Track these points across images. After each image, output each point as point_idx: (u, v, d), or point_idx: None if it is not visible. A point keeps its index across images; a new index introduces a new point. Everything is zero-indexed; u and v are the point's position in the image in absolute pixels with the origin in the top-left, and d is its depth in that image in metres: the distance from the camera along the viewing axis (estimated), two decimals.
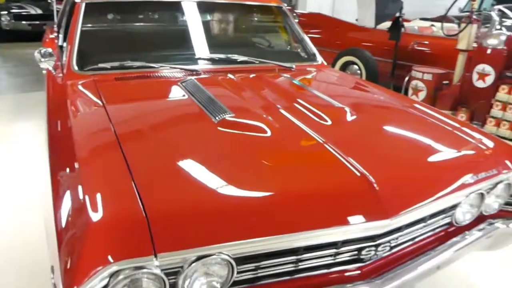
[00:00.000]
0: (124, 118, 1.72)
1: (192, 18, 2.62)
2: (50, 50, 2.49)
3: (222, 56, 2.51)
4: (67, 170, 1.35)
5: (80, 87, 2.10)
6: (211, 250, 1.10)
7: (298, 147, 1.54)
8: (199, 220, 1.14)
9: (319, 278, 1.29)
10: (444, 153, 1.63)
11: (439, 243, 1.54)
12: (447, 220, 1.55)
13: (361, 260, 1.33)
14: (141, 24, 2.69)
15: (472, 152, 1.67)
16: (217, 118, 1.66)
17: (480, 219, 1.66)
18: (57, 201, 1.21)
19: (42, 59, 2.45)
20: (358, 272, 1.32)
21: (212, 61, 2.49)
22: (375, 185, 1.31)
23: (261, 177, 1.32)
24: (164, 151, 1.43)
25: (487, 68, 4.09)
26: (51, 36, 3.94)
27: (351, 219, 1.23)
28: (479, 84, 4.17)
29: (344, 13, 9.59)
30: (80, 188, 1.18)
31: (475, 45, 4.37)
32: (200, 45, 2.56)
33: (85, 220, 1.06)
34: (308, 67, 2.74)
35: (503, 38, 4.06)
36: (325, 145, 1.51)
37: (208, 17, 2.89)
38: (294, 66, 2.62)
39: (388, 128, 1.83)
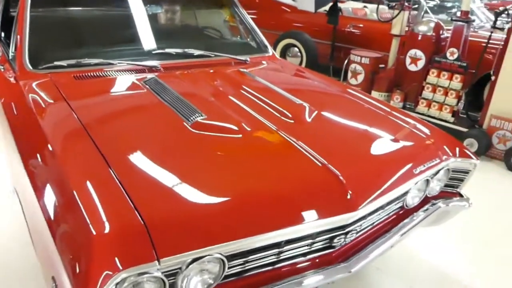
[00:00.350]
0: (97, 122, 1.72)
1: (143, 9, 2.60)
2: None
3: (179, 50, 2.53)
4: (53, 184, 1.37)
5: (38, 88, 2.05)
6: (206, 251, 1.21)
7: (271, 147, 1.66)
8: (193, 224, 1.24)
9: (297, 265, 1.45)
10: (396, 145, 1.84)
11: (392, 225, 1.77)
12: (399, 204, 1.78)
13: (333, 247, 1.51)
14: (95, 15, 2.61)
15: (419, 143, 1.90)
16: (190, 120, 1.73)
17: (424, 200, 1.91)
18: (54, 218, 1.25)
19: None
20: (331, 256, 1.50)
21: (169, 55, 2.51)
22: (341, 179, 1.48)
23: (243, 179, 1.44)
24: (147, 158, 1.48)
25: (419, 53, 4.44)
26: None
27: (325, 213, 1.39)
28: (412, 68, 4.53)
29: None
30: (76, 202, 1.22)
31: (407, 29, 4.73)
32: (155, 38, 2.55)
33: (89, 234, 1.12)
34: (261, 59, 2.84)
35: (432, 25, 4.42)
36: (293, 143, 1.65)
37: (159, 8, 2.88)
38: (248, 59, 2.72)
39: (343, 123, 2.02)
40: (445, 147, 1.94)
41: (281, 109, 1.96)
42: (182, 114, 1.78)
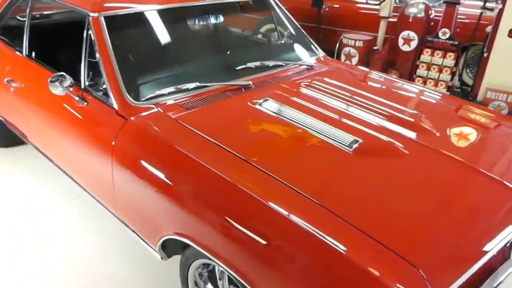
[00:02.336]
0: (250, 153, 1.71)
1: (214, 28, 2.52)
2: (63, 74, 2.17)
3: (257, 63, 2.50)
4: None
5: (155, 121, 1.94)
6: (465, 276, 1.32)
7: (446, 167, 1.75)
8: (453, 254, 1.34)
9: None
10: None
11: None
12: None
13: None
14: (177, 38, 2.45)
15: None
16: (350, 146, 1.77)
17: None
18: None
19: (58, 85, 2.14)
20: None
21: (247, 70, 2.46)
22: None
23: (455, 204, 1.55)
24: (354, 194, 1.52)
25: (412, 34, 4.73)
26: None
27: None
28: (405, 48, 4.82)
29: None
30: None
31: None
32: (233, 55, 2.50)
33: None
34: (321, 62, 2.87)
35: (422, 6, 4.70)
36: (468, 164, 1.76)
37: (224, 25, 2.78)
38: (314, 63, 2.76)
39: (473, 132, 2.10)
40: None
41: (408, 120, 2.07)
42: (334, 140, 1.81)
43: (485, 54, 4.32)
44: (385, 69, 4.97)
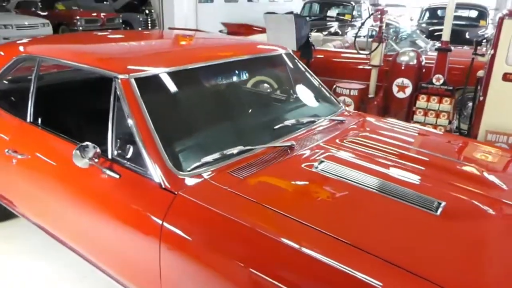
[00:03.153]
0: (328, 224, 1.52)
1: (249, 89, 2.37)
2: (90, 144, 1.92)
3: (293, 121, 2.35)
4: None
5: (208, 196, 1.71)
6: None
7: None
8: None
9: None
10: None
11: None
12: None
13: None
14: (211, 96, 2.27)
15: None
16: (435, 210, 1.62)
17: None
18: None
19: (83, 156, 1.89)
20: None
21: (285, 129, 2.30)
22: None
23: None
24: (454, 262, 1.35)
25: (406, 81, 4.79)
26: None
27: None
28: (400, 95, 4.86)
29: (206, 26, 9.62)
30: None
31: None
32: (268, 113, 2.35)
33: None
34: (346, 116, 2.76)
35: (413, 54, 4.81)
36: None
37: (253, 85, 2.63)
38: (344, 118, 2.64)
39: None
40: None
41: (473, 174, 1.96)
42: (415, 204, 1.65)
43: (481, 98, 4.41)
44: (381, 116, 4.96)
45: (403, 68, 4.80)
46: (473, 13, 9.68)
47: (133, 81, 1.97)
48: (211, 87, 2.39)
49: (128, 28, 14.68)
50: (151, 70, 2.05)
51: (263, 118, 2.30)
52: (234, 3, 14.36)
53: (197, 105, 2.19)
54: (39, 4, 13.02)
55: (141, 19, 14.58)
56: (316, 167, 1.93)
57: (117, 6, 15.09)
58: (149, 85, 2.02)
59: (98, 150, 1.93)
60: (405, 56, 4.82)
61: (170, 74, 2.09)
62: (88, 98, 2.29)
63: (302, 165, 1.97)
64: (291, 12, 5.17)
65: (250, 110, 2.28)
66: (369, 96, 5.09)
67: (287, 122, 2.32)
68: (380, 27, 4.94)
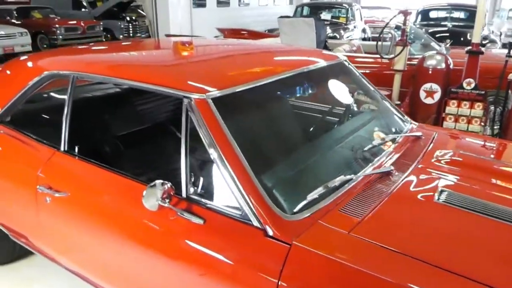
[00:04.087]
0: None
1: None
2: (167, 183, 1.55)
3: (379, 141, 2.04)
4: None
5: (331, 245, 1.37)
6: None
7: None
8: None
9: None
10: None
11: None
12: None
13: None
14: (298, 115, 1.93)
15: None
16: None
17: None
18: None
19: (162, 202, 1.53)
20: None
21: (370, 150, 1.99)
22: None
23: None
24: None
25: (434, 86, 4.56)
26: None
27: None
28: (428, 101, 4.62)
29: (200, 31, 9.25)
30: None
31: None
32: (350, 133, 2.02)
33: None
34: (421, 130, 2.47)
35: (440, 57, 4.58)
36: None
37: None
38: (421, 134, 2.34)
39: None
40: None
41: None
42: None
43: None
44: None
45: (430, 72, 4.56)
46: (472, 14, 9.62)
47: (210, 101, 1.61)
48: (292, 105, 2.05)
49: (109, 36, 14.12)
50: (229, 88, 1.69)
51: (348, 139, 1.97)
52: (225, 7, 14.02)
53: (284, 126, 1.86)
54: (15, 12, 12.29)
55: (122, 26, 14.06)
56: (438, 199, 1.61)
57: (96, 14, 14.49)
58: (230, 105, 1.66)
59: (169, 186, 1.56)
60: (432, 60, 4.59)
61: (250, 91, 1.74)
62: (140, 120, 1.91)
63: (419, 197, 1.65)
64: (309, 16, 4.87)
65: (334, 129, 1.95)
66: (395, 102, 4.83)
67: (374, 142, 2.01)
68: (404, 30, 4.70)
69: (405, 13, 4.71)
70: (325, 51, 2.58)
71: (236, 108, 1.70)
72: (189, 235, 1.56)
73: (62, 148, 2.04)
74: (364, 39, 10.05)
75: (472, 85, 4.37)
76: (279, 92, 1.97)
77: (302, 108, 2.20)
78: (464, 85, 4.40)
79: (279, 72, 1.91)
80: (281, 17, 5.07)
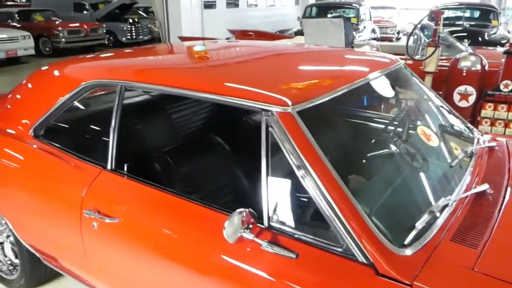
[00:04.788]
0: None
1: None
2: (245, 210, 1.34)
3: (462, 155, 1.84)
4: None
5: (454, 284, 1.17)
6: None
7: None
8: None
9: None
10: None
11: None
12: None
13: None
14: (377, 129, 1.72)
15: None
16: None
17: None
18: None
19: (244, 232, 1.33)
20: None
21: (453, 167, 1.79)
22: None
23: None
24: None
25: (469, 89, 4.36)
26: None
27: None
28: (462, 104, 4.43)
29: (211, 33, 9.05)
30: None
31: None
32: (432, 145, 1.81)
33: None
34: (493, 141, 2.26)
35: (475, 59, 4.38)
36: None
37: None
38: (495, 144, 2.14)
39: None
40: None
41: None
42: None
43: None
44: None
45: (464, 74, 4.37)
46: (485, 13, 9.46)
47: (296, 114, 1.40)
48: (371, 116, 1.84)
49: (111, 38, 13.87)
50: (314, 98, 1.47)
51: (431, 152, 1.77)
52: (235, 8, 13.80)
53: (373, 142, 1.64)
54: (16, 16, 12.03)
55: (125, 28, 13.83)
56: None
57: (98, 16, 14.25)
58: (316, 118, 1.45)
59: (247, 212, 1.35)
60: (466, 62, 4.39)
61: (333, 101, 1.53)
62: (203, 134, 1.69)
63: None
64: (340, 16, 4.68)
65: (418, 141, 1.74)
66: None
67: (457, 157, 1.80)
68: (435, 30, 4.50)
69: (437, 13, 4.52)
70: (381, 53, 2.37)
71: (322, 121, 1.49)
72: (273, 269, 1.35)
73: (109, 167, 1.83)
74: (373, 39, 9.87)
75: (510, 87, 4.19)
76: (359, 101, 1.76)
77: (382, 117, 2.00)
78: (501, 87, 4.22)
79: (357, 78, 1.70)
80: (304, 17, 4.87)
